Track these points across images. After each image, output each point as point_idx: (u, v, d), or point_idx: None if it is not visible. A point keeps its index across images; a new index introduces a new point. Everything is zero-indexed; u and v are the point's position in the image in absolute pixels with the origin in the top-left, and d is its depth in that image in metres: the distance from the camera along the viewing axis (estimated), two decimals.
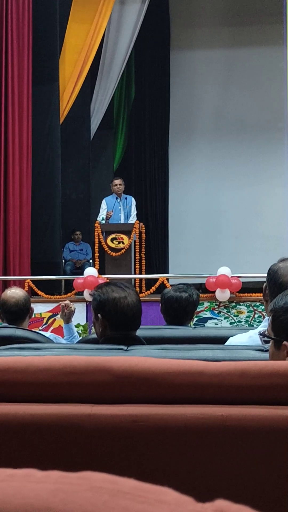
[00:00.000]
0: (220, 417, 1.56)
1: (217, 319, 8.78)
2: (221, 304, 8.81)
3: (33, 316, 4.59)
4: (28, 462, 1.57)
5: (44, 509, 0.56)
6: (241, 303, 8.81)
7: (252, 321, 8.69)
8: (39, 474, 0.61)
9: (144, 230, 10.66)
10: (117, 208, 10.13)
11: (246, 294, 8.89)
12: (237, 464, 1.54)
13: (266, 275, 2.97)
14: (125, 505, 0.56)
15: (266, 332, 2.25)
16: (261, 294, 3.15)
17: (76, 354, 2.37)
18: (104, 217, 10.04)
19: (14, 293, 4.14)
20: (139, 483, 0.59)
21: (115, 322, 2.97)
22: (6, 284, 9.51)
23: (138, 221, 10.00)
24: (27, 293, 4.34)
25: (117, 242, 9.58)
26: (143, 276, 10.03)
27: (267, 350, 2.42)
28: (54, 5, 10.10)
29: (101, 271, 9.34)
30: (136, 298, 2.99)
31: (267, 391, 1.61)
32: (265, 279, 3.00)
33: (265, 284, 2.91)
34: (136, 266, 10.03)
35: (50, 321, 8.84)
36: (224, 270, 8.80)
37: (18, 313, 4.06)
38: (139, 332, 3.07)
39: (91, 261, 10.69)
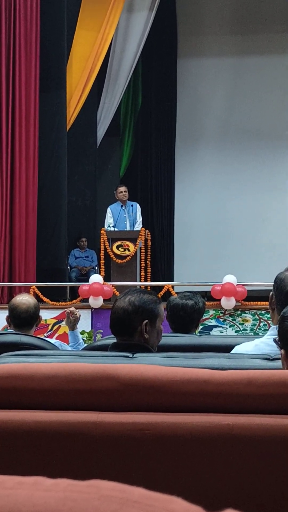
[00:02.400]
0: (226, 426, 1.56)
1: (222, 327, 8.76)
2: (227, 312, 8.80)
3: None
4: (33, 470, 1.56)
5: None
6: (247, 311, 8.79)
7: (257, 330, 8.67)
8: (47, 482, 0.61)
9: (149, 237, 10.66)
10: (122, 216, 10.12)
11: (251, 302, 8.87)
12: (244, 473, 1.54)
13: (272, 283, 2.97)
14: None
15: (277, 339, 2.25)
16: (267, 303, 3.14)
17: (82, 361, 2.37)
18: (110, 225, 10.03)
19: (25, 299, 4.15)
20: (147, 491, 0.59)
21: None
22: (12, 290, 9.52)
23: (144, 228, 9.99)
24: (37, 302, 4.33)
25: (122, 249, 9.58)
26: (149, 283, 10.03)
27: (273, 359, 2.42)
28: (61, 12, 10.13)
29: (106, 278, 9.34)
30: (123, 306, 2.92)
31: (274, 400, 1.61)
32: (271, 288, 2.99)
33: (271, 292, 2.90)
34: (142, 273, 10.03)
35: (55, 327, 8.84)
36: (230, 278, 8.79)
37: (27, 320, 4.06)
38: None
39: (96, 268, 10.69)
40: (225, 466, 1.55)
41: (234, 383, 1.63)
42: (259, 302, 8.81)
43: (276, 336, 2.60)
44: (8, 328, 4.23)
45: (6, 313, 8.59)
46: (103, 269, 9.84)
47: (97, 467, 1.58)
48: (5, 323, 8.44)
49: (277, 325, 2.27)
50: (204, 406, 1.61)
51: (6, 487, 0.60)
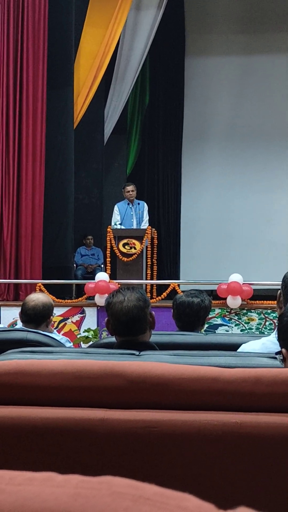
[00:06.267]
0: (234, 424, 1.55)
1: (228, 326, 8.75)
2: (232, 311, 8.79)
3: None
4: (39, 467, 1.56)
5: None
6: (252, 310, 8.78)
7: (263, 329, 8.66)
8: (58, 478, 0.60)
9: (156, 236, 10.65)
10: (129, 214, 10.12)
11: (257, 301, 8.86)
12: (252, 471, 1.53)
13: (277, 282, 2.95)
14: (146, 511, 0.55)
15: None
16: (273, 302, 3.13)
17: (88, 359, 2.36)
18: (117, 222, 10.03)
19: (36, 297, 4.13)
20: (160, 489, 0.58)
21: (114, 326, 2.98)
22: (18, 288, 9.53)
23: (150, 227, 9.98)
24: (51, 303, 4.24)
25: (129, 247, 9.57)
26: (154, 281, 10.02)
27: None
28: (70, 10, 10.12)
29: (112, 276, 9.34)
30: (134, 304, 2.93)
31: (281, 399, 1.60)
32: (276, 287, 2.98)
33: (279, 291, 2.89)
34: (148, 272, 10.02)
35: (61, 325, 8.85)
36: (236, 277, 8.78)
37: (33, 318, 4.04)
38: (150, 338, 3.06)
39: (102, 266, 10.69)
40: (233, 465, 1.54)
41: (242, 381, 1.62)
42: (265, 301, 8.80)
43: None
44: (15, 324, 4.23)
45: (12, 309, 8.61)
46: (109, 267, 9.84)
47: (103, 464, 1.58)
48: (12, 320, 8.47)
49: None
50: (212, 404, 1.61)
51: (16, 483, 0.60)
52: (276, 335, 2.95)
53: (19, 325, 4.21)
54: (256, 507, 0.61)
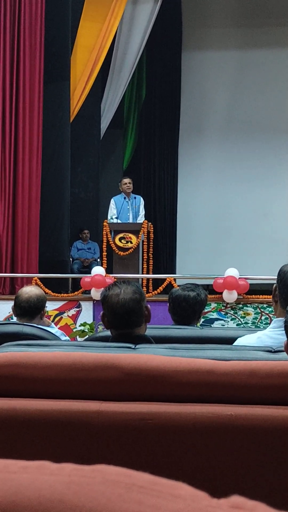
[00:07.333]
0: (229, 417, 1.55)
1: (224, 320, 8.76)
2: (228, 306, 8.80)
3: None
4: (35, 458, 1.56)
5: (57, 502, 0.56)
6: (248, 305, 8.79)
7: (259, 323, 8.67)
8: (52, 466, 0.60)
9: (152, 230, 10.65)
10: (126, 208, 10.11)
11: (253, 295, 8.86)
12: (245, 463, 1.53)
13: (273, 277, 2.96)
14: (139, 499, 0.55)
15: None
16: (268, 296, 3.14)
17: (84, 352, 2.36)
18: (114, 216, 10.03)
19: (29, 290, 4.14)
20: (153, 477, 0.59)
21: (109, 319, 2.98)
22: (14, 281, 9.53)
23: (146, 221, 9.98)
24: (44, 295, 4.26)
25: (125, 242, 9.56)
26: (151, 276, 10.02)
27: (275, 351, 2.41)
28: (66, 4, 10.09)
29: (108, 270, 9.34)
30: (130, 297, 2.95)
31: (276, 391, 1.60)
32: (273, 281, 2.99)
33: (275, 284, 2.89)
34: (144, 266, 10.02)
35: (57, 319, 8.85)
36: (232, 272, 8.78)
37: (27, 310, 4.05)
38: (146, 332, 3.07)
39: (98, 260, 10.69)
40: (227, 456, 1.55)
41: (237, 373, 1.62)
42: (261, 296, 8.80)
43: (279, 328, 2.60)
44: (11, 318, 4.23)
45: (7, 303, 8.61)
46: (105, 261, 9.83)
47: (99, 456, 1.58)
48: (8, 314, 8.47)
49: (282, 317, 2.27)
50: (206, 397, 1.61)
51: (11, 471, 0.60)
52: (272, 329, 2.97)
53: (15, 318, 4.21)
54: (249, 497, 0.61)
